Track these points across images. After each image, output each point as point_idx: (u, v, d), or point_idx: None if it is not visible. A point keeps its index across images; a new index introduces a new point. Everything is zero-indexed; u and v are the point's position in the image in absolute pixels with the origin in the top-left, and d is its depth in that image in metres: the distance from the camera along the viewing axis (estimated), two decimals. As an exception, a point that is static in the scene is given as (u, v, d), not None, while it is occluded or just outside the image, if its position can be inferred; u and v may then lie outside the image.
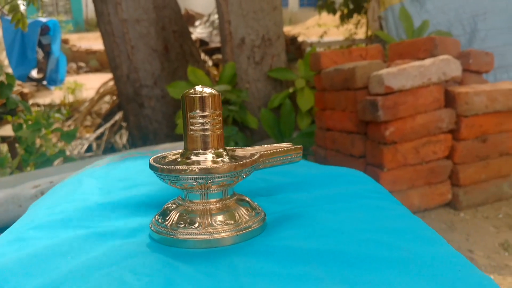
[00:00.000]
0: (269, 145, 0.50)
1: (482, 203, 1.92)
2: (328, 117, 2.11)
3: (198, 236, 0.41)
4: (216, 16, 5.24)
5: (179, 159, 0.45)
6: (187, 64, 3.13)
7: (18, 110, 2.66)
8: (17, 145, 2.60)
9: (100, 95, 4.38)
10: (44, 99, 5.81)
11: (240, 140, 2.59)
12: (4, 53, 6.33)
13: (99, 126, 3.92)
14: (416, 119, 1.76)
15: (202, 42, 4.96)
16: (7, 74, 2.28)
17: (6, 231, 0.47)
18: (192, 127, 0.44)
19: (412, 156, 1.79)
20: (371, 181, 0.59)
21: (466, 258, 0.38)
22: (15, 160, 2.46)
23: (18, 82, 5.88)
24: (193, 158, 0.44)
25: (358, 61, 2.03)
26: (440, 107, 1.81)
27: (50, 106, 5.04)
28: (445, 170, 1.86)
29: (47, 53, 6.36)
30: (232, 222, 0.43)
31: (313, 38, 6.10)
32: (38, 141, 2.80)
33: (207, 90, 0.44)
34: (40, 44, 6.31)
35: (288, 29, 7.86)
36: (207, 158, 0.44)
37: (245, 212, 0.44)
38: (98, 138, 3.72)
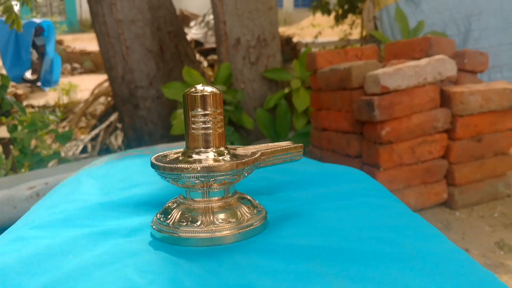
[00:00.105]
0: (270, 144, 0.50)
1: (478, 203, 1.94)
2: (324, 117, 2.12)
3: (200, 234, 0.42)
4: (211, 16, 5.24)
5: (180, 158, 0.45)
6: (182, 64, 3.13)
7: (12, 112, 2.65)
8: (11, 146, 2.59)
9: (95, 96, 4.36)
10: (38, 100, 5.79)
11: (235, 140, 2.60)
12: (-2, 55, 6.30)
13: (94, 127, 3.91)
14: (411, 119, 1.77)
15: (197, 43, 4.96)
16: (1, 75, 2.27)
17: (6, 231, 0.47)
18: (193, 126, 0.44)
19: (408, 156, 1.80)
20: (370, 180, 0.59)
21: (467, 254, 0.38)
22: (8, 161, 2.45)
23: (12, 83, 5.85)
24: (195, 156, 0.44)
25: (354, 61, 2.04)
26: (436, 107, 1.82)
27: (45, 107, 5.02)
28: (441, 170, 1.87)
29: (41, 54, 6.32)
30: (234, 220, 0.43)
31: (308, 39, 6.11)
32: (33, 142, 2.79)
33: (208, 89, 0.45)
34: (34, 45, 6.28)
35: (283, 30, 7.87)
36: (208, 157, 0.44)
37: (246, 210, 0.45)
38: (93, 139, 3.70)
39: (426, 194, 1.86)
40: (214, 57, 4.56)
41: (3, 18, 2.33)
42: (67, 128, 4.09)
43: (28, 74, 6.64)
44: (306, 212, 0.47)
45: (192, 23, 5.64)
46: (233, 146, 0.49)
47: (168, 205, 0.46)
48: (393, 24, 3.49)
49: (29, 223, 0.47)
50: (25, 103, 5.41)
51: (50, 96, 6.05)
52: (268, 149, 0.48)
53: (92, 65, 8.69)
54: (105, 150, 3.60)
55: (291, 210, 0.49)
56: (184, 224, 0.42)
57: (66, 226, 0.46)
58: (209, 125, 0.44)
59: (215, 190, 0.44)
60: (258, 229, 0.44)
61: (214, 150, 0.45)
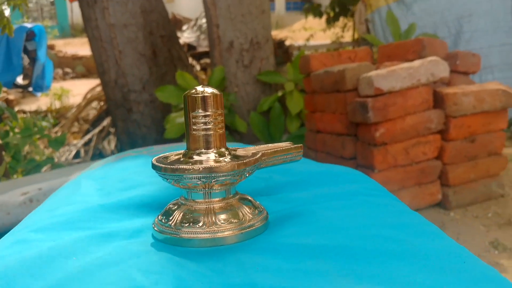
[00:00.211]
0: (270, 145, 0.51)
1: (472, 203, 1.95)
2: (318, 119, 2.12)
3: (203, 235, 0.42)
4: (203, 20, 5.24)
5: (181, 159, 0.46)
6: (175, 68, 3.12)
7: (4, 117, 2.63)
8: (3, 152, 2.57)
9: (88, 101, 4.35)
10: (30, 105, 5.76)
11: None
12: (-11, 60, 6.26)
13: (87, 132, 3.89)
14: (405, 120, 1.78)
15: (190, 47, 4.96)
16: (-7, 81, 2.25)
17: (7, 234, 0.46)
18: (194, 127, 0.44)
19: (402, 157, 1.80)
20: (369, 179, 0.60)
21: (468, 250, 0.38)
22: (1, 167, 2.43)
23: (3, 88, 5.82)
24: (196, 157, 0.45)
25: (348, 64, 2.05)
26: (429, 108, 1.83)
27: (37, 112, 5.00)
28: (435, 171, 1.88)
29: (33, 59, 6.30)
30: (236, 220, 0.43)
31: (300, 42, 6.13)
32: (26, 148, 2.78)
33: (209, 90, 0.45)
34: (26, 50, 6.25)
35: (275, 33, 7.88)
36: (209, 158, 0.44)
37: (248, 210, 0.45)
38: (86, 144, 3.69)
39: (421, 195, 1.87)
40: (207, 60, 4.56)
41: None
42: (59, 133, 4.07)
43: (20, 79, 6.61)
44: (307, 212, 0.47)
45: (184, 27, 5.64)
46: (233, 147, 0.49)
47: (169, 207, 0.46)
48: (385, 26, 3.51)
49: (30, 226, 0.47)
50: (16, 108, 5.38)
51: (42, 101, 6.02)
52: (269, 149, 0.48)
53: (84, 70, 8.67)
54: (98, 155, 3.58)
55: (292, 210, 0.49)
56: (186, 225, 0.42)
57: (67, 229, 0.46)
58: (210, 126, 0.44)
59: (216, 191, 0.44)
60: (259, 229, 0.44)
61: (215, 151, 0.45)
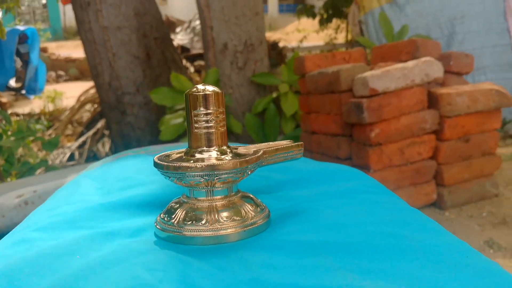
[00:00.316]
0: (270, 143, 0.51)
1: (466, 202, 1.96)
2: (313, 120, 2.13)
3: (206, 233, 0.42)
4: (197, 22, 5.24)
5: (183, 157, 0.46)
6: (169, 70, 3.12)
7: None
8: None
9: (81, 104, 4.33)
10: (23, 108, 5.73)
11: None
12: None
13: (81, 134, 3.88)
14: (400, 121, 1.79)
15: (183, 49, 4.96)
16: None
17: (8, 234, 0.46)
18: (196, 125, 0.44)
19: (397, 157, 1.81)
20: (368, 177, 0.60)
21: (470, 245, 0.39)
22: (-5, 170, 2.42)
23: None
24: (198, 155, 0.45)
25: (342, 64, 2.05)
26: (424, 108, 1.84)
27: (30, 115, 4.97)
28: (430, 171, 1.88)
29: (26, 62, 6.27)
30: (238, 218, 0.43)
31: (293, 44, 6.14)
32: (20, 151, 2.76)
33: (210, 88, 0.45)
34: (18, 53, 6.22)
35: (268, 35, 7.89)
36: (211, 156, 0.45)
37: (250, 208, 0.45)
38: (80, 146, 3.67)
39: (416, 195, 1.87)
40: (201, 62, 4.56)
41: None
42: (53, 136, 4.05)
43: (12, 82, 6.58)
44: (309, 210, 0.48)
45: (178, 29, 5.63)
46: (234, 146, 0.50)
47: (171, 205, 0.46)
48: (378, 28, 3.53)
49: (31, 226, 0.47)
50: (9, 111, 5.35)
51: (35, 104, 5.99)
52: (270, 147, 0.48)
53: (77, 72, 8.63)
54: (93, 157, 3.57)
55: (293, 208, 0.49)
56: (189, 223, 0.43)
57: (68, 228, 0.46)
58: (211, 124, 0.45)
59: (218, 189, 0.44)
60: (262, 227, 0.44)
61: (216, 149, 0.45)
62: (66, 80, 8.53)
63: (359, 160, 1.84)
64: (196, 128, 0.45)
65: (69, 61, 8.76)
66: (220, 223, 0.42)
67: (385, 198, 0.52)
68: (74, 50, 10.03)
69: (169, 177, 0.44)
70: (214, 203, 0.44)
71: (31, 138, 2.61)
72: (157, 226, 0.44)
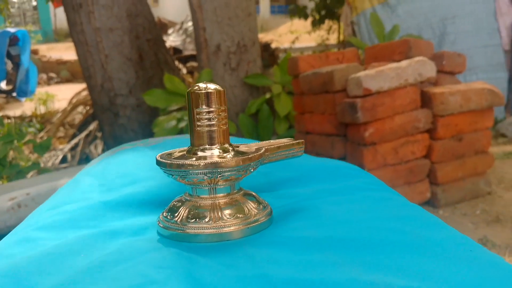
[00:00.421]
0: (271, 141, 0.51)
1: (460, 201, 1.97)
2: (307, 120, 2.13)
3: (209, 230, 0.42)
4: (189, 24, 5.24)
5: (186, 155, 0.46)
6: (162, 72, 3.12)
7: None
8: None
9: (73, 106, 4.31)
10: (14, 111, 5.69)
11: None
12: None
13: (73, 136, 3.86)
14: (394, 120, 1.80)
15: (176, 50, 4.95)
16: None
17: (9, 233, 0.46)
18: (198, 123, 0.45)
19: (392, 157, 1.82)
20: (368, 174, 0.60)
21: (472, 240, 0.39)
22: (-15, 173, 2.40)
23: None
24: (200, 153, 0.45)
25: (335, 65, 2.06)
26: (417, 108, 1.85)
27: (21, 118, 4.94)
28: (424, 169, 1.90)
29: (16, 64, 6.23)
30: (241, 215, 0.43)
31: (285, 45, 6.15)
32: (11, 154, 2.74)
33: (212, 86, 0.45)
34: (9, 55, 6.18)
35: (260, 36, 7.90)
36: (213, 154, 0.45)
37: (253, 205, 0.45)
38: (73, 149, 3.66)
39: (410, 193, 1.88)
40: (193, 64, 4.56)
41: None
42: (45, 138, 4.03)
43: (3, 85, 6.53)
44: (310, 207, 0.48)
45: (170, 31, 5.63)
46: (235, 144, 0.50)
47: (174, 204, 0.46)
48: (370, 28, 3.54)
49: (33, 225, 0.46)
50: (0, 113, 5.31)
51: (26, 107, 5.95)
52: (271, 145, 0.49)
53: (68, 75, 8.58)
54: (85, 159, 3.55)
55: (295, 205, 0.49)
56: (192, 221, 0.43)
57: (70, 227, 0.45)
58: (213, 122, 0.45)
59: (221, 186, 0.44)
60: (265, 224, 0.44)
61: (219, 147, 0.45)
62: (57, 82, 8.48)
63: (354, 160, 1.84)
64: (198, 126, 0.45)
65: (61, 63, 8.71)
66: (224, 221, 0.42)
67: (386, 195, 0.52)
68: (65, 52, 9.98)
69: (172, 175, 0.44)
70: (217, 201, 0.44)
71: (22, 141, 2.59)
72: (160, 225, 0.44)
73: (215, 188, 0.44)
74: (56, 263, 0.37)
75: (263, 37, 8.14)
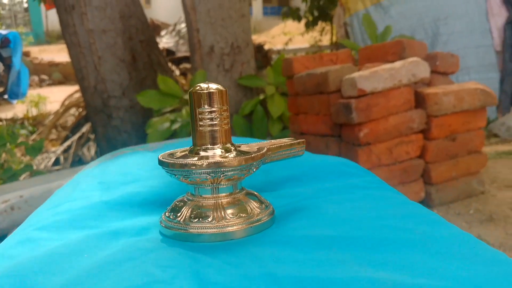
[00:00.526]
0: (273, 140, 0.51)
1: (454, 200, 1.98)
2: (302, 121, 2.14)
3: (212, 230, 0.42)
4: (182, 25, 5.24)
5: (188, 155, 0.46)
6: (155, 73, 3.11)
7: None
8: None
9: (66, 108, 4.29)
10: (6, 113, 5.65)
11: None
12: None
13: (66, 139, 3.84)
14: (388, 120, 1.81)
15: (169, 52, 4.95)
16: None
17: (11, 234, 0.46)
18: (201, 123, 0.45)
19: (386, 157, 1.83)
20: (368, 172, 0.61)
21: (475, 237, 0.39)
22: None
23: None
24: (202, 153, 0.45)
25: (329, 66, 2.07)
26: (411, 108, 1.86)
27: (13, 120, 4.91)
28: (418, 169, 1.90)
29: (8, 66, 6.19)
30: (244, 215, 0.43)
31: (279, 46, 6.16)
32: (3, 157, 2.73)
33: (214, 86, 0.45)
34: (0, 57, 6.14)
35: (253, 38, 7.91)
36: (216, 153, 0.45)
37: (256, 205, 0.45)
38: (65, 151, 3.64)
39: (405, 193, 1.89)
40: (186, 65, 4.56)
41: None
42: (37, 141, 4.00)
43: (-6, 87, 6.49)
44: (312, 206, 0.48)
45: (163, 32, 5.62)
46: (237, 143, 0.50)
47: (176, 203, 0.46)
48: (363, 29, 3.56)
49: (34, 225, 0.46)
50: (-8, 116, 5.27)
51: (18, 109, 5.91)
52: (273, 145, 0.49)
53: (60, 77, 8.54)
54: (78, 161, 3.54)
55: (296, 204, 0.49)
56: (195, 220, 0.43)
57: (72, 227, 0.45)
58: (215, 122, 0.45)
59: (223, 186, 0.45)
60: (267, 223, 0.44)
61: (221, 147, 0.45)
62: (49, 85, 8.43)
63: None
64: (200, 126, 0.45)
65: (52, 65, 8.67)
66: (227, 220, 0.42)
67: (386, 193, 0.52)
68: (57, 54, 9.92)
69: (175, 175, 0.44)
70: (220, 201, 0.44)
71: (14, 144, 2.58)
72: (162, 225, 0.44)
73: (218, 187, 0.44)
74: (60, 263, 0.36)
75: (256, 38, 8.16)
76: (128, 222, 0.47)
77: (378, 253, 0.36)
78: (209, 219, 0.42)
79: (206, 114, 0.44)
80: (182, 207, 0.45)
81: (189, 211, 0.44)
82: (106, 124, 3.07)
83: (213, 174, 0.42)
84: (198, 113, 0.44)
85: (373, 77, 1.75)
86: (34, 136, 4.11)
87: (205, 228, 0.42)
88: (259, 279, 0.33)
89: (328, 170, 0.60)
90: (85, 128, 3.71)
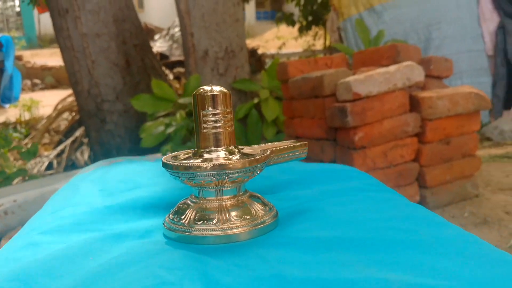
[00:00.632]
0: (275, 143, 0.51)
1: (448, 203, 1.99)
2: (297, 125, 2.14)
3: (217, 232, 0.42)
4: (175, 29, 5.23)
5: (192, 157, 0.46)
6: (149, 78, 3.11)
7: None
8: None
9: (59, 112, 4.27)
10: (-2, 117, 5.62)
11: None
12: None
13: (59, 143, 3.82)
14: (383, 124, 1.81)
15: (162, 56, 4.94)
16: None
17: (13, 238, 0.46)
18: (204, 125, 0.45)
19: (381, 160, 1.83)
20: (368, 176, 0.61)
21: (479, 238, 0.39)
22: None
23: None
24: (206, 155, 0.45)
25: (324, 70, 2.07)
26: (406, 112, 1.87)
27: (5, 124, 4.88)
28: (413, 173, 1.91)
29: (0, 70, 6.16)
30: (248, 217, 0.43)
31: (272, 51, 6.18)
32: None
33: (217, 89, 0.45)
34: (-8, 61, 6.12)
35: (247, 42, 7.92)
36: (219, 156, 0.45)
37: (260, 207, 0.45)
38: (58, 155, 3.62)
39: (399, 197, 1.90)
40: (180, 69, 4.55)
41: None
42: (29, 145, 3.98)
43: (-14, 91, 6.44)
44: (315, 208, 0.48)
45: (156, 36, 5.61)
46: (240, 146, 0.50)
47: (180, 206, 0.46)
48: (357, 34, 3.57)
49: (36, 229, 0.46)
50: (-16, 121, 5.23)
51: (10, 113, 5.88)
52: (275, 147, 0.49)
53: (53, 81, 8.50)
54: (71, 166, 3.52)
55: (299, 207, 0.50)
56: (200, 223, 0.43)
57: (75, 231, 0.45)
58: (219, 124, 0.45)
59: (228, 188, 0.45)
60: (271, 225, 0.44)
61: (224, 149, 0.45)
62: (42, 89, 8.39)
63: (344, 164, 1.85)
64: (204, 128, 0.45)
65: (45, 69, 8.62)
66: (231, 222, 0.42)
67: (387, 195, 0.53)
68: (49, 58, 9.87)
69: (179, 177, 0.43)
70: (224, 203, 0.44)
71: (7, 148, 2.56)
72: (166, 227, 0.44)
73: (222, 190, 0.44)
74: (65, 266, 0.36)
75: (250, 43, 8.17)
76: (131, 225, 0.47)
77: (385, 254, 0.36)
78: (214, 221, 0.42)
79: (210, 116, 0.44)
80: (186, 209, 0.45)
81: (194, 213, 0.44)
82: (99, 129, 3.06)
83: (217, 176, 0.42)
84: (202, 115, 0.45)
85: (368, 81, 1.76)
86: (26, 141, 4.09)
87: (210, 230, 0.42)
88: (267, 280, 0.33)
89: (328, 174, 0.60)
90: (79, 132, 3.69)
